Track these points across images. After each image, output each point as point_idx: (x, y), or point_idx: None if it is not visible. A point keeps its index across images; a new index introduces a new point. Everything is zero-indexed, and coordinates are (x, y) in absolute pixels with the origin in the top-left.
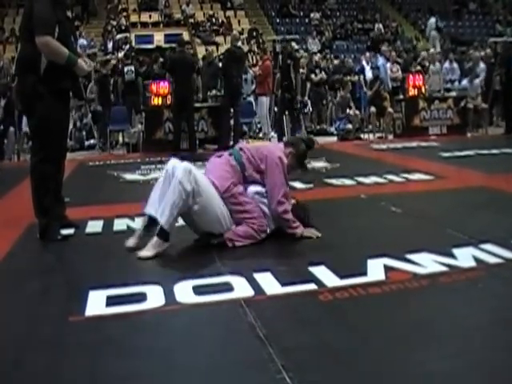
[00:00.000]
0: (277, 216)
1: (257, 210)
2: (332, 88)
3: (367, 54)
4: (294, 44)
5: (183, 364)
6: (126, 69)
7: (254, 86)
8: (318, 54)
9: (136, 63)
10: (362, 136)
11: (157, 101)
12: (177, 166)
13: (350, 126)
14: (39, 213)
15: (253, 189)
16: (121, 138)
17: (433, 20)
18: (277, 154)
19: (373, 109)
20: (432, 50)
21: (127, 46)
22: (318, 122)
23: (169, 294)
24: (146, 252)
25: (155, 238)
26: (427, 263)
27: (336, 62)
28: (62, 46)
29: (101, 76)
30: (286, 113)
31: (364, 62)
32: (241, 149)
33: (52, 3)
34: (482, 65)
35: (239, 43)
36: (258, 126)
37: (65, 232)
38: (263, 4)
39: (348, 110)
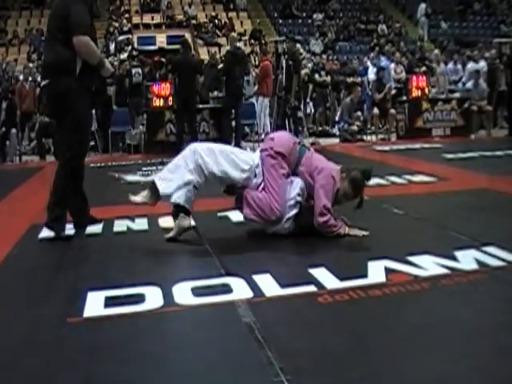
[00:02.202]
0: (318, 225)
1: (284, 197)
2: (335, 90)
3: (371, 54)
4: (298, 45)
5: (181, 366)
6: (133, 71)
7: (256, 88)
8: (320, 56)
9: (140, 64)
10: (364, 138)
11: (158, 102)
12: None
13: (354, 128)
14: (59, 203)
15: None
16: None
17: (423, 6)
18: (332, 172)
19: (375, 110)
20: (437, 52)
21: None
22: (320, 123)
23: (167, 296)
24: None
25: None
26: (429, 265)
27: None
28: None
29: (118, 76)
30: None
31: (368, 63)
32: (308, 149)
33: (86, 6)
34: (482, 62)
35: (241, 44)
36: (263, 128)
37: (67, 232)
38: (266, 5)
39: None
